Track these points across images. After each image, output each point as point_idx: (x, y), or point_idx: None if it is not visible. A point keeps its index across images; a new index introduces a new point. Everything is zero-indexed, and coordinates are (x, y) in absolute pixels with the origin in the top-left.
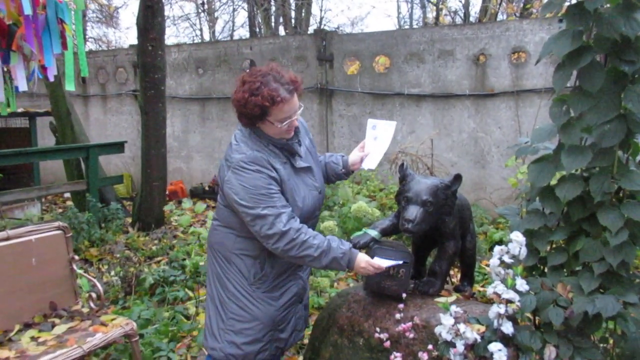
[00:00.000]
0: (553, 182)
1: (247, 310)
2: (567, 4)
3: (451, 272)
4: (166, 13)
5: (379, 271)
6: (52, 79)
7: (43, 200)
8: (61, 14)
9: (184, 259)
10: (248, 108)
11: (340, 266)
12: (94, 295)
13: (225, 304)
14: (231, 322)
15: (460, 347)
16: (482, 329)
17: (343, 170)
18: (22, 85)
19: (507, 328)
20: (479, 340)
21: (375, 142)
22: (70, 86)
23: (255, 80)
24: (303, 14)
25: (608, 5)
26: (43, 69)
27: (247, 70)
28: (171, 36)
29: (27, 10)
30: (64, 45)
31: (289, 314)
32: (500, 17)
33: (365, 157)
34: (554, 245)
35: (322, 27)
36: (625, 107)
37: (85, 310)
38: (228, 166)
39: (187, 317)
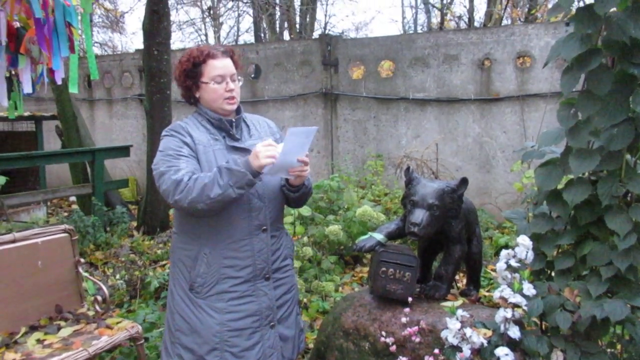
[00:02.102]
0: (560, 185)
1: (188, 320)
2: (574, 7)
3: (457, 277)
4: (172, 18)
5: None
6: (59, 82)
7: (49, 203)
8: (69, 17)
9: None
10: (182, 67)
11: (243, 174)
12: (99, 298)
13: (172, 315)
14: (177, 334)
15: (466, 351)
16: (489, 333)
17: (285, 186)
18: (28, 88)
19: (514, 332)
20: (485, 344)
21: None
22: (73, 89)
23: (191, 49)
24: (308, 19)
25: (615, 9)
26: (50, 72)
27: (252, 76)
28: (177, 41)
29: (37, 13)
30: (72, 49)
31: (248, 338)
32: (505, 22)
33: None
34: (561, 249)
35: (326, 32)
36: (634, 110)
37: (91, 313)
38: None
39: None
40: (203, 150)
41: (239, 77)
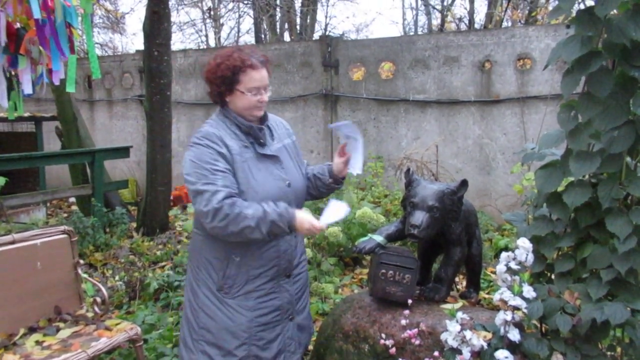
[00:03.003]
0: (560, 188)
1: (216, 319)
2: (575, 9)
3: (457, 279)
4: (172, 19)
5: (322, 230)
6: (57, 83)
7: (48, 204)
8: (69, 18)
9: None
10: (219, 72)
11: (281, 229)
12: (98, 299)
13: (196, 313)
14: (202, 331)
15: (466, 354)
16: (489, 336)
17: (331, 180)
18: (28, 89)
19: (514, 335)
20: (485, 347)
21: (350, 141)
22: (71, 88)
23: (227, 51)
24: (308, 21)
25: (615, 11)
26: (49, 72)
27: None
28: (177, 42)
29: (37, 14)
30: (72, 50)
31: (272, 331)
32: (505, 24)
33: (348, 160)
34: (561, 252)
35: (327, 33)
36: (634, 113)
37: (90, 314)
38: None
39: None
40: (240, 162)
41: (269, 86)
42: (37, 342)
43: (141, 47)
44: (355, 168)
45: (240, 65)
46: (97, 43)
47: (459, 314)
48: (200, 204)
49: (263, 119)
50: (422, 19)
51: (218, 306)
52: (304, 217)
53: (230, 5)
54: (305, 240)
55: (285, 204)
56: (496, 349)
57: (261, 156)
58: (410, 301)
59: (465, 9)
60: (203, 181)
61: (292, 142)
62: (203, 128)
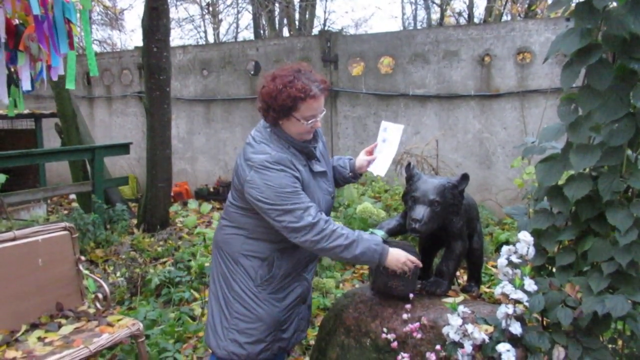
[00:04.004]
0: (561, 181)
1: (251, 310)
2: (574, 2)
3: (458, 273)
4: (171, 15)
5: (415, 268)
6: (55, 78)
7: (48, 201)
8: (68, 14)
9: (190, 260)
10: (279, 100)
11: (372, 257)
12: (100, 295)
13: (230, 304)
14: (235, 321)
15: (468, 347)
16: (490, 329)
17: (351, 174)
18: (27, 85)
19: (516, 328)
20: (487, 340)
21: (385, 145)
22: (70, 85)
23: (287, 74)
24: (307, 16)
25: (616, 3)
26: (48, 68)
27: (252, 73)
28: (176, 38)
29: (36, 10)
30: (71, 46)
31: (292, 315)
32: (504, 17)
33: (374, 160)
34: (562, 245)
35: (326, 28)
36: (634, 106)
37: (92, 310)
38: (250, 166)
39: (193, 318)
40: (307, 183)
41: (324, 108)
42: (39, 339)
43: (140, 43)
44: (380, 170)
45: (302, 96)
46: (95, 40)
47: (461, 308)
48: (292, 221)
49: (314, 138)
50: (422, 14)
51: (254, 299)
52: (399, 252)
53: (229, 1)
54: None
55: (379, 237)
56: (498, 342)
57: (315, 174)
58: (411, 295)
59: (465, 2)
60: (291, 201)
61: (323, 144)
62: (269, 151)
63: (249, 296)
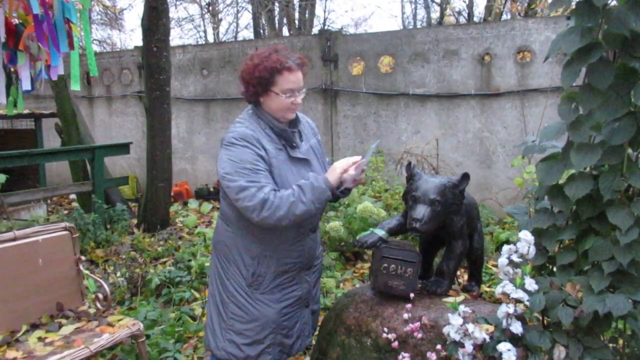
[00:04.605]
0: (562, 180)
1: (245, 311)
2: (574, 1)
3: (458, 272)
4: (171, 14)
5: (351, 168)
6: (55, 78)
7: (49, 201)
8: (68, 14)
9: (190, 260)
10: (256, 73)
11: (323, 189)
12: (100, 295)
13: (226, 304)
14: (231, 322)
15: (469, 347)
16: (491, 328)
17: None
18: (27, 85)
19: (516, 328)
20: (487, 340)
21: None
22: (75, 86)
23: (264, 51)
24: (307, 15)
25: (616, 2)
26: (48, 68)
27: None
28: (175, 37)
29: (36, 9)
30: (71, 45)
31: (292, 319)
32: (504, 16)
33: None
34: (562, 244)
35: (326, 28)
36: (635, 105)
37: (92, 310)
38: (221, 145)
39: (193, 318)
40: (275, 164)
41: (304, 88)
42: (40, 339)
43: (140, 43)
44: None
45: (277, 67)
46: (95, 39)
47: (461, 307)
48: (245, 199)
49: (295, 121)
50: (421, 13)
51: (248, 300)
52: (333, 166)
53: (229, 1)
54: None
55: (313, 173)
56: (498, 342)
57: (293, 159)
58: (412, 295)
59: (464, 1)
60: (247, 178)
61: (317, 141)
62: (237, 128)
63: (242, 296)
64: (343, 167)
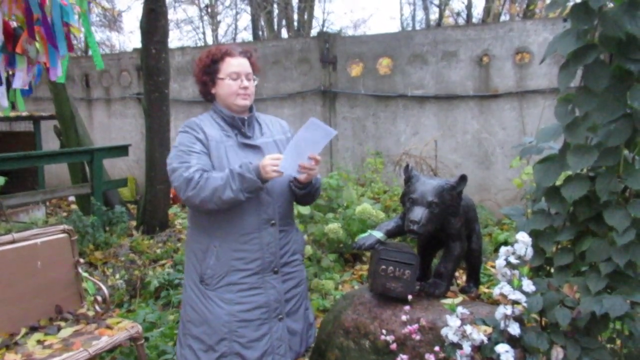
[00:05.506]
0: (559, 182)
1: (198, 311)
2: (571, 3)
3: (456, 274)
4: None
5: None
6: (53, 79)
7: (47, 203)
8: (66, 17)
9: None
10: (201, 64)
11: (251, 180)
12: (99, 298)
13: (184, 307)
14: (188, 325)
15: (467, 348)
16: (489, 330)
17: (292, 182)
18: (20, 85)
19: (514, 329)
20: (485, 341)
21: (306, 144)
22: (61, 79)
23: (211, 48)
24: (306, 17)
25: (612, 4)
26: (47, 69)
27: None
28: (174, 39)
29: (36, 11)
30: (70, 47)
31: (256, 330)
32: (503, 18)
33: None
34: (560, 246)
35: (324, 29)
36: (631, 106)
37: (91, 313)
38: None
39: None
40: (215, 146)
41: (255, 77)
42: (39, 342)
43: (139, 45)
44: (285, 168)
45: (218, 54)
46: None
47: (459, 309)
48: (175, 180)
49: (250, 112)
50: (420, 14)
51: (200, 298)
52: (264, 161)
53: (228, 2)
54: (305, 237)
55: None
56: (496, 343)
57: (242, 145)
58: (410, 297)
59: (463, 3)
60: (179, 160)
61: (286, 138)
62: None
63: (196, 295)
64: (271, 163)
